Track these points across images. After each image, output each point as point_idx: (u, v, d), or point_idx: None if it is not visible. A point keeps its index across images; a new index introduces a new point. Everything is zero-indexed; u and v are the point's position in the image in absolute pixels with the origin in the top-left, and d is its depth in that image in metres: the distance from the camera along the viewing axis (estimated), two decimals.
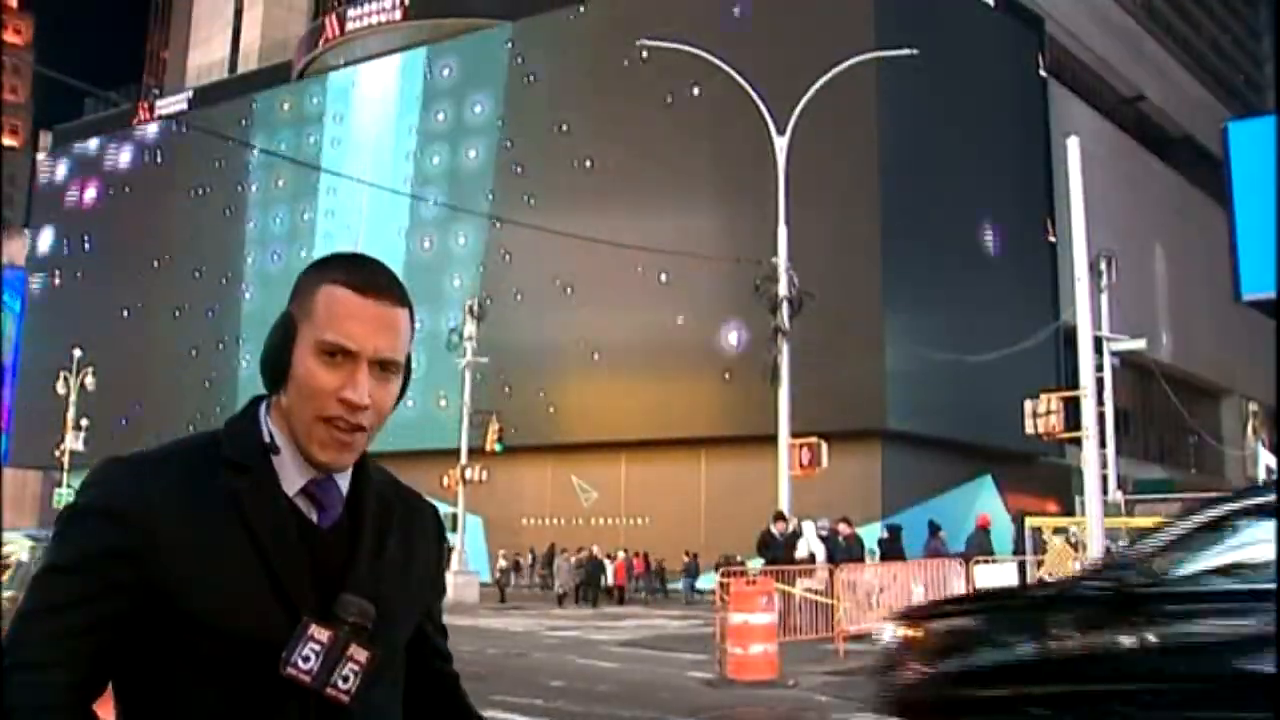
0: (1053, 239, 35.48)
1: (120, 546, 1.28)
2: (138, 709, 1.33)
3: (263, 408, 1.41)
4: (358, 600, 1.33)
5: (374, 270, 1.40)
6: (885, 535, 18.83)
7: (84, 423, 38.34)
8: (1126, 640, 4.89)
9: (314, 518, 1.38)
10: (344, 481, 1.41)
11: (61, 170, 55.23)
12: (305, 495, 1.38)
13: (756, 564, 18.06)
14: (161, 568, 1.28)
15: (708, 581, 25.15)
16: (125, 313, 47.99)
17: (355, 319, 1.34)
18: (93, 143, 53.96)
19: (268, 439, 1.38)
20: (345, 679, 1.30)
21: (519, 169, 37.81)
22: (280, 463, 1.37)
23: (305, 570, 1.34)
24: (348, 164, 40.95)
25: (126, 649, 1.30)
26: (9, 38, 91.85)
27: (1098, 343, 20.58)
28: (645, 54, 29.52)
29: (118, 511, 1.30)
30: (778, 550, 16.62)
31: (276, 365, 1.37)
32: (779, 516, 17.51)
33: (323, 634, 1.29)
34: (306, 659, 1.28)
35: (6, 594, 5.74)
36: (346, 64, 46.39)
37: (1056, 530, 17.01)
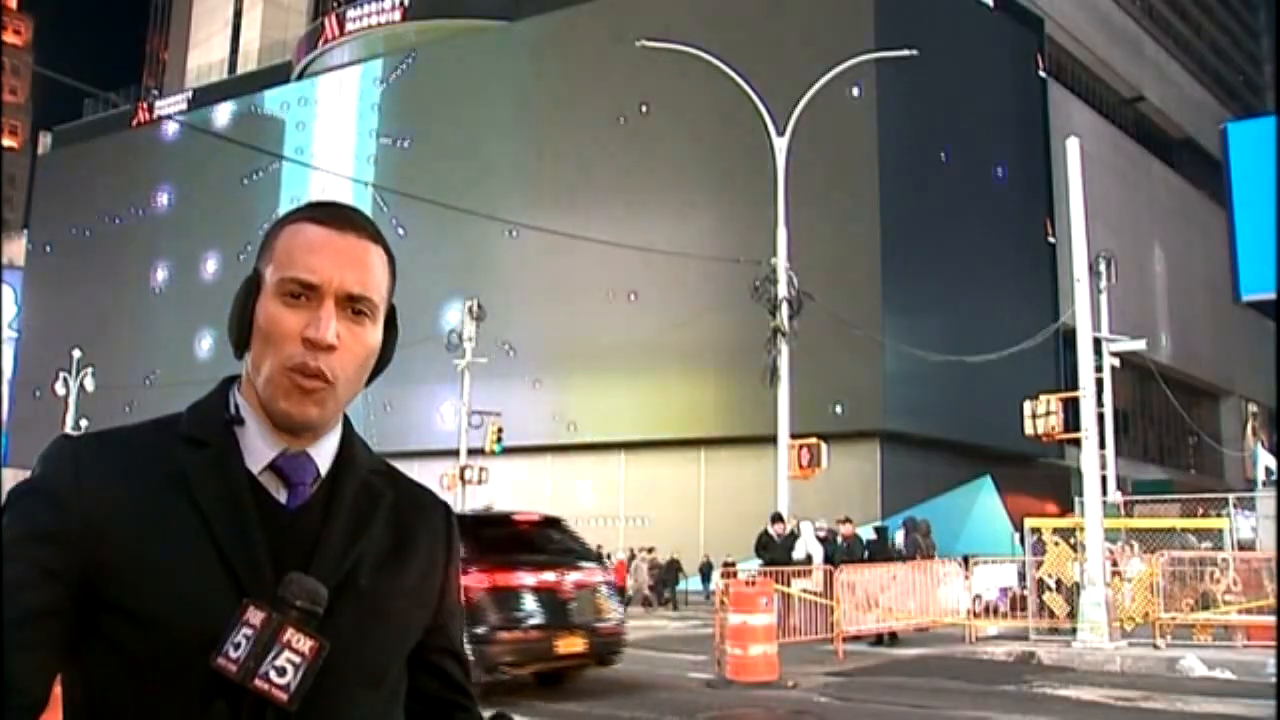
0: (1052, 240, 35.48)
1: (53, 530, 1.14)
2: (73, 703, 1.18)
3: (234, 384, 1.28)
4: (305, 579, 1.15)
5: (341, 205, 1.29)
6: (874, 537, 18.85)
7: (83, 423, 38.33)
8: None
9: (281, 497, 1.22)
10: (323, 461, 1.25)
11: (61, 171, 55.20)
12: (272, 472, 1.23)
13: (748, 565, 18.09)
14: (98, 552, 1.14)
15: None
16: (125, 313, 47.98)
17: (317, 251, 1.21)
18: (92, 143, 53.94)
19: (233, 411, 1.24)
20: (280, 671, 1.11)
21: (518, 168, 37.78)
22: (244, 435, 1.23)
23: (263, 554, 1.17)
24: (340, 166, 40.97)
25: (67, 643, 1.14)
26: (9, 38, 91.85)
27: (1097, 344, 20.54)
28: (645, 53, 29.49)
29: (52, 492, 1.16)
30: (775, 552, 16.64)
31: (240, 322, 1.23)
32: (776, 518, 17.52)
33: (257, 617, 1.12)
34: (237, 646, 1.11)
35: None
36: (345, 65, 46.39)
37: (1056, 531, 16.98)
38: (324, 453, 1.26)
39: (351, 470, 1.27)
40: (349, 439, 1.30)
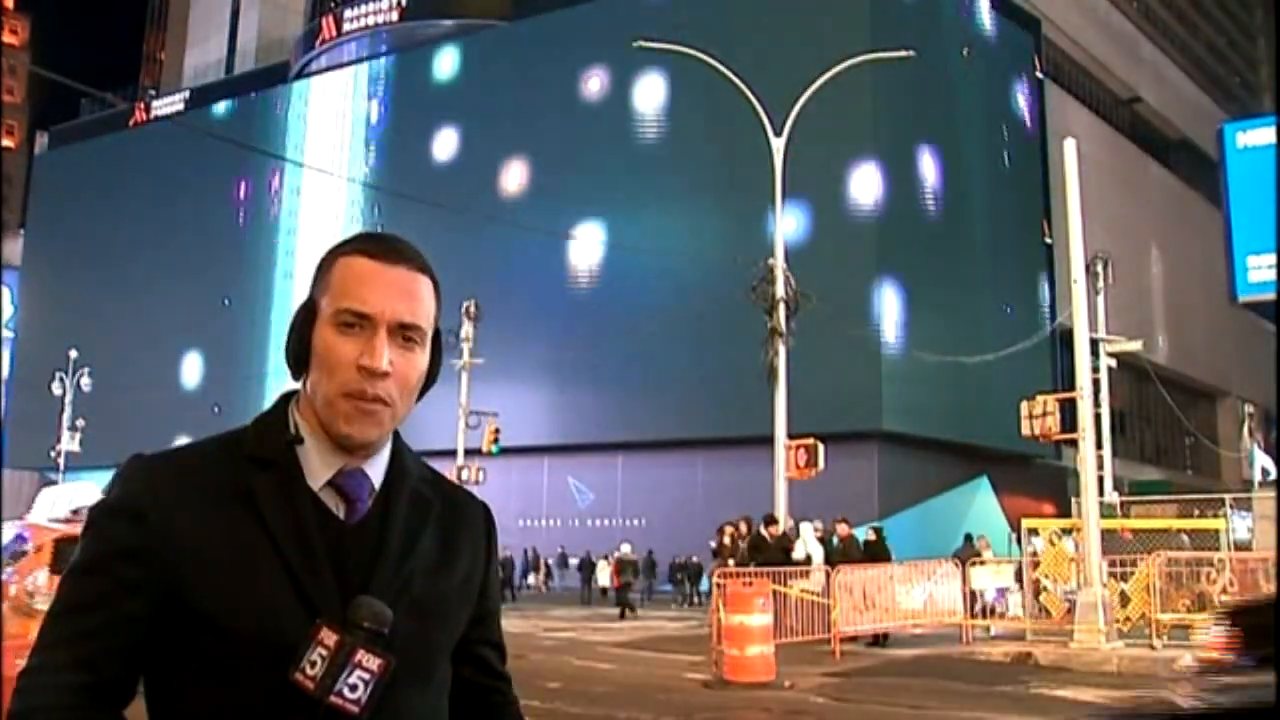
0: (1049, 240, 35.51)
1: (134, 546, 1.24)
2: (155, 707, 1.28)
3: (291, 402, 1.36)
4: (372, 603, 1.24)
5: (390, 239, 1.36)
6: (871, 537, 18.83)
7: (80, 423, 38.24)
8: None
9: (340, 513, 1.31)
10: (376, 475, 1.34)
11: (57, 170, 55.10)
12: (332, 489, 1.31)
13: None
14: (175, 567, 1.23)
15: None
16: (121, 313, 47.91)
17: (370, 284, 1.29)
18: (89, 143, 53.86)
19: (293, 431, 1.32)
20: (353, 688, 1.20)
21: (517, 168, 37.76)
22: (305, 454, 1.31)
23: (326, 568, 1.26)
24: (336, 166, 40.93)
25: (149, 648, 1.25)
26: (6, 38, 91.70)
27: (1094, 344, 20.58)
28: (644, 54, 29.50)
29: (132, 510, 1.26)
30: (769, 553, 16.61)
31: (298, 347, 1.32)
32: (769, 520, 17.50)
33: (330, 638, 1.21)
34: (314, 664, 1.20)
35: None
36: (342, 64, 46.35)
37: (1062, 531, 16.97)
38: (377, 468, 1.35)
39: (403, 483, 1.36)
40: (399, 452, 1.38)
